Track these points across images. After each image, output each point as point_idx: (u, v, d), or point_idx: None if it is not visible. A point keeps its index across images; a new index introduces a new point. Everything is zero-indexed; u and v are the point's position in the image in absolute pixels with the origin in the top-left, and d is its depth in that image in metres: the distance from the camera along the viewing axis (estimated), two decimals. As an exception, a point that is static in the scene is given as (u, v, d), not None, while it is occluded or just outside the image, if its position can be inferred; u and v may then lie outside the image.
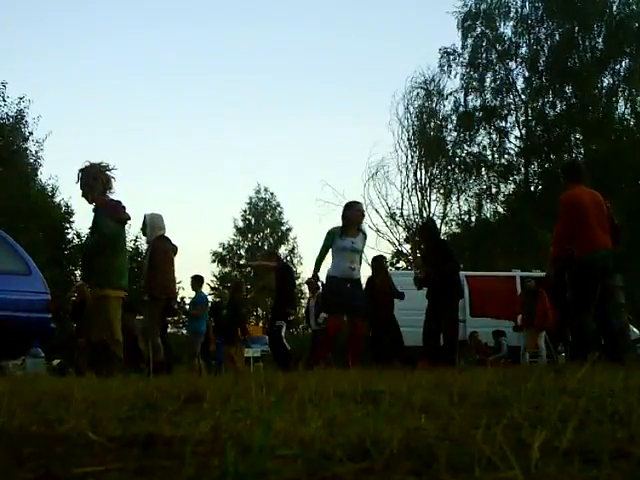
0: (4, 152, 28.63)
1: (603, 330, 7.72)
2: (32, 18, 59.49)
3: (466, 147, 36.84)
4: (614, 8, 34.14)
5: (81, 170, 7.08)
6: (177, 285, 9.66)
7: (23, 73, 57.46)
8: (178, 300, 19.66)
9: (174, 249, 9.17)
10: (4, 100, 30.12)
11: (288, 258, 50.80)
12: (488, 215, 36.47)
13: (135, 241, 33.32)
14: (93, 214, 7.17)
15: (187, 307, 14.95)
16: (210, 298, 43.62)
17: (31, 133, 30.91)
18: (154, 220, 9.13)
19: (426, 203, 37.20)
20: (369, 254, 14.30)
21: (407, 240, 35.64)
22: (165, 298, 8.87)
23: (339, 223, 8.62)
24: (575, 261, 7.56)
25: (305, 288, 47.44)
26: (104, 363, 6.78)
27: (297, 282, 48.76)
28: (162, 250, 8.95)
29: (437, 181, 37.34)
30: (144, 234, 9.32)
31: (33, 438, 1.54)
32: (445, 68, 36.94)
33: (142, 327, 9.93)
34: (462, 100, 36.80)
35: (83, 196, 7.15)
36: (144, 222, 9.18)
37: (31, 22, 60.64)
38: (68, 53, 66.21)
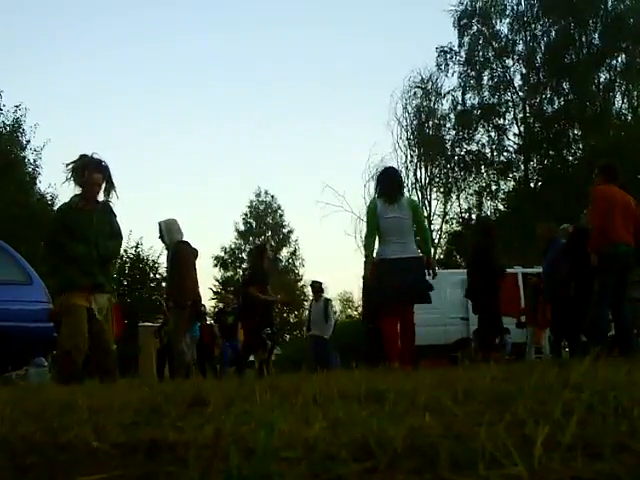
0: (1, 161, 28.60)
1: (616, 323, 7.97)
2: (28, 26, 59.61)
3: (465, 145, 36.97)
4: (609, 4, 34.26)
5: (107, 166, 6.75)
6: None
7: (19, 81, 57.47)
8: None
9: (194, 253, 9.14)
10: (0, 109, 30.16)
11: (290, 260, 50.87)
12: (488, 212, 36.54)
13: (136, 247, 33.36)
14: (108, 214, 6.84)
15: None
16: (212, 303, 43.62)
17: (28, 141, 30.92)
18: (170, 226, 9.08)
19: (426, 202, 37.31)
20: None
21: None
22: (190, 303, 8.83)
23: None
24: (598, 253, 7.81)
25: (308, 290, 47.59)
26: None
27: (300, 284, 49.08)
28: (183, 255, 8.90)
29: (437, 180, 37.44)
30: (163, 241, 9.24)
31: (36, 447, 1.53)
32: (442, 67, 37.12)
33: (170, 332, 9.88)
34: (460, 98, 36.96)
35: (108, 194, 6.76)
36: (160, 229, 9.11)
37: (27, 30, 60.75)
38: (65, 60, 66.24)
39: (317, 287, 14.32)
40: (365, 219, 7.84)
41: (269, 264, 11.45)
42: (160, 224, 9.08)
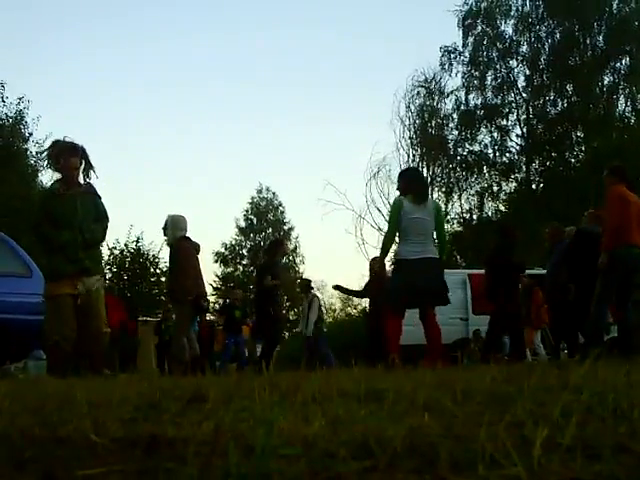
0: (4, 153, 28.55)
1: (619, 324, 7.98)
2: (31, 17, 59.61)
3: (467, 145, 36.90)
4: (614, 6, 34.21)
5: (82, 148, 6.70)
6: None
7: (22, 73, 57.45)
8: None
9: (196, 247, 9.14)
10: (3, 100, 30.05)
11: (291, 258, 50.83)
12: (490, 213, 36.48)
13: (137, 242, 33.29)
14: (92, 197, 6.78)
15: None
16: (212, 299, 43.64)
17: (31, 134, 30.86)
18: (176, 221, 9.09)
19: (428, 202, 37.15)
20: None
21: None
22: (191, 299, 8.80)
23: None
24: (608, 252, 7.75)
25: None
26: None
27: (298, 281, 49.10)
28: (184, 251, 8.89)
29: (438, 179, 37.38)
30: (165, 235, 9.22)
31: (35, 441, 1.53)
32: (446, 67, 37.02)
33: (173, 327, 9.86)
34: (463, 98, 36.88)
35: (87, 176, 6.75)
36: (166, 223, 9.13)
37: (30, 21, 60.74)
38: (68, 53, 66.22)
39: (304, 286, 14.41)
40: (388, 216, 7.78)
41: (280, 260, 11.37)
42: (168, 217, 9.10)
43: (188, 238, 9.03)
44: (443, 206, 37.01)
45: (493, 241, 10.28)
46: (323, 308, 14.35)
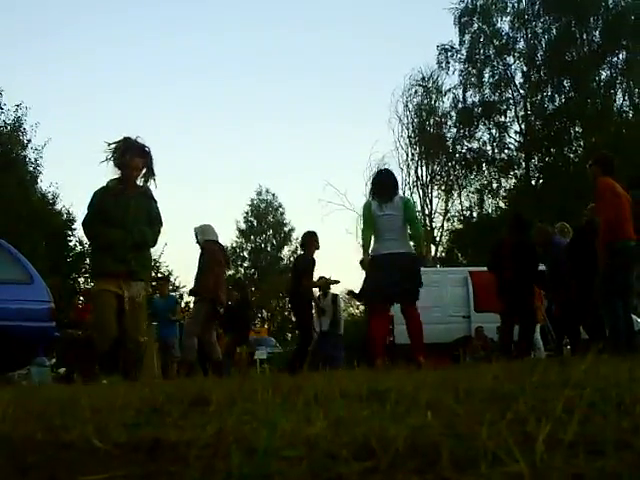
0: (2, 160, 28.52)
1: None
2: (29, 24, 59.59)
3: (466, 143, 36.95)
4: (610, 1, 34.23)
5: (150, 153, 6.61)
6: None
7: (20, 80, 57.48)
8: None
9: (225, 256, 9.30)
10: (1, 107, 30.11)
11: (291, 259, 50.89)
12: (490, 210, 36.55)
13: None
14: (148, 200, 6.67)
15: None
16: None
17: (29, 141, 30.84)
18: (204, 228, 9.28)
19: (428, 200, 37.36)
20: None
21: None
22: (210, 299, 8.78)
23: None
24: (607, 247, 7.66)
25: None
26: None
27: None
28: (210, 252, 9.00)
29: (438, 177, 37.48)
30: (197, 243, 9.27)
31: (38, 446, 1.53)
32: (443, 65, 37.12)
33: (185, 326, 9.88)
34: (461, 96, 36.95)
35: (146, 181, 6.67)
36: (196, 234, 9.27)
37: (28, 28, 60.72)
38: (65, 59, 66.24)
39: (326, 285, 14.18)
40: (362, 216, 7.97)
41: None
42: (195, 229, 9.30)
43: (219, 244, 9.29)
44: (443, 204, 37.09)
45: (511, 237, 9.90)
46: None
